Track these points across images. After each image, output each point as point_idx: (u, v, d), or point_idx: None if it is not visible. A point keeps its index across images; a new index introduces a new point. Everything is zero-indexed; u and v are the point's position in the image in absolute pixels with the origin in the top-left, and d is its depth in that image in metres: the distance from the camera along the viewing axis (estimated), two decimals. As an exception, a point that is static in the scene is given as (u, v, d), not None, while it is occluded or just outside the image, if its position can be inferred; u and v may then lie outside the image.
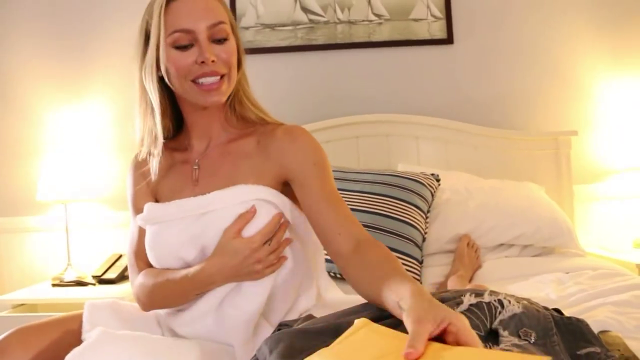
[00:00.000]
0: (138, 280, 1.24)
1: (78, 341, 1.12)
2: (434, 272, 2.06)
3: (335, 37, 2.68)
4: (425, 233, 2.10)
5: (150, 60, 1.16)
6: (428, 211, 2.17)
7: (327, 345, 0.91)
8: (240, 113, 1.28)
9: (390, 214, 2.06)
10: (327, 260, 1.45)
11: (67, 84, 2.70)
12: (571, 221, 2.51)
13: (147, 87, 1.19)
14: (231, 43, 1.18)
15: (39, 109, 2.70)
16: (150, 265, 1.25)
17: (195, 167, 1.26)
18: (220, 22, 1.16)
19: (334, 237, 1.13)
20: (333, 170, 2.37)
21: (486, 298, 0.96)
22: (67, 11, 2.71)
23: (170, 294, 1.18)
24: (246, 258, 1.11)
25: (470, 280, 1.99)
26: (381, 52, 2.69)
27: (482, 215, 2.17)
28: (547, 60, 2.69)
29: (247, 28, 2.68)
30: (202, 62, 1.13)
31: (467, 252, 2.07)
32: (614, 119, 2.68)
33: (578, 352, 0.93)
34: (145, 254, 1.25)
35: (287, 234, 1.19)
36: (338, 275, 1.89)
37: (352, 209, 2.03)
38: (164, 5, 1.14)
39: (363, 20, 2.67)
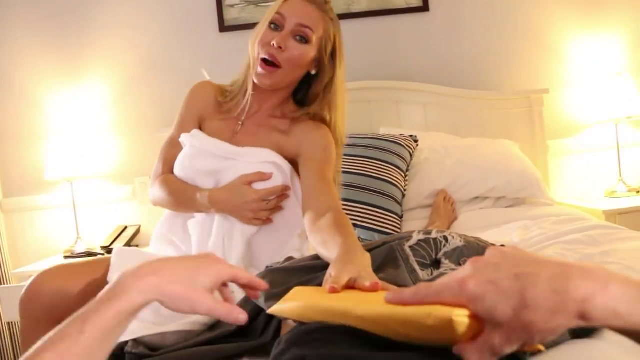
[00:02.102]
0: (157, 182, 1.55)
1: (105, 282, 1.33)
2: (413, 225, 2.23)
3: (316, 10, 2.81)
4: (405, 190, 2.27)
5: (257, 29, 1.48)
6: (407, 170, 2.33)
7: (303, 280, 1.08)
8: (312, 109, 1.54)
9: (372, 174, 2.23)
10: None
11: (65, 69, 2.85)
12: (546, 174, 2.69)
13: (250, 49, 1.49)
14: (308, 48, 1.45)
15: (40, 93, 2.84)
16: (172, 172, 1.56)
17: (240, 123, 1.55)
18: (308, 27, 1.44)
19: (309, 202, 1.35)
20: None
21: (433, 235, 1.14)
22: (61, -2, 2.84)
23: (178, 202, 1.50)
24: (245, 203, 1.39)
25: (447, 231, 2.16)
26: (361, 22, 2.82)
27: (458, 172, 2.34)
28: (518, 21, 2.82)
29: (232, 6, 2.81)
30: (272, 44, 1.41)
31: (443, 206, 2.24)
32: (583, 76, 2.82)
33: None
34: (171, 163, 1.55)
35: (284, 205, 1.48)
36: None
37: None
38: None
39: (342, -7, 2.80)
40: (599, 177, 2.81)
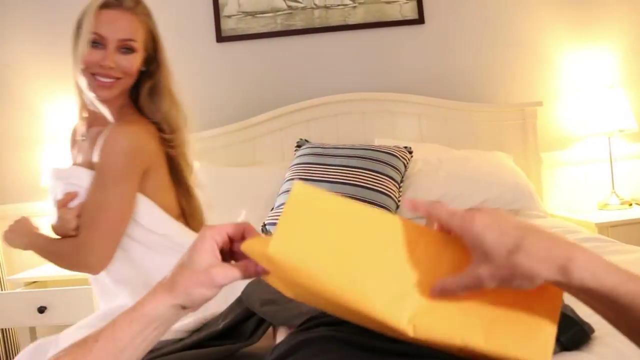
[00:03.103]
0: None
1: None
2: (407, 236, 2.24)
3: (312, 21, 2.84)
4: (399, 201, 2.29)
5: (78, 51, 1.40)
6: (401, 181, 2.35)
7: None
8: (149, 109, 1.49)
9: (366, 184, 2.25)
10: None
11: (63, 76, 2.85)
12: (539, 186, 2.71)
13: (74, 70, 1.43)
14: (136, 57, 1.43)
15: (38, 101, 2.86)
16: None
17: (83, 138, 1.54)
18: (130, 40, 1.41)
19: None
20: (313, 147, 2.57)
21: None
22: (61, 4, 2.85)
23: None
24: (68, 222, 1.41)
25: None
26: (356, 34, 2.85)
27: (452, 183, 2.36)
28: (512, 34, 2.86)
29: (229, 16, 2.83)
30: (102, 65, 1.38)
31: (437, 218, 2.25)
32: (576, 89, 2.85)
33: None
34: None
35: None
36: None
37: (332, 182, 2.24)
38: (96, 10, 1.39)
39: (338, 5, 2.83)
40: (591, 189, 2.84)
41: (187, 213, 1.54)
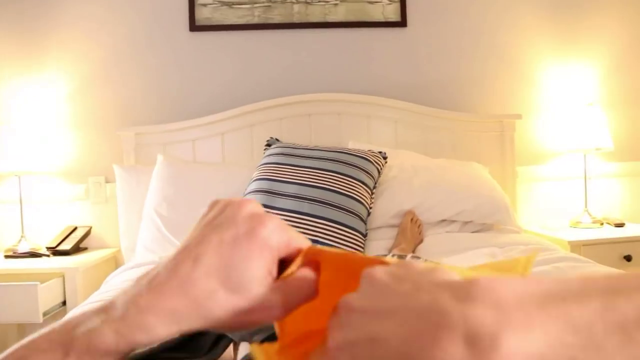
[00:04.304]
0: None
1: None
2: (378, 245, 2.15)
3: (291, 16, 2.73)
4: (371, 208, 2.19)
5: None
6: (374, 187, 2.26)
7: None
8: None
9: (337, 189, 2.14)
10: None
11: (22, 58, 2.69)
12: (514, 200, 2.65)
13: None
14: None
15: (-7, 80, 2.69)
16: None
17: None
18: None
19: None
20: (284, 146, 2.46)
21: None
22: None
23: None
24: None
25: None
26: (336, 32, 2.75)
27: (426, 192, 2.27)
28: (494, 45, 2.80)
29: (205, 5, 2.71)
30: None
31: (410, 227, 2.17)
32: (556, 104, 2.81)
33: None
34: None
35: None
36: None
37: (301, 184, 2.13)
38: None
39: (319, 1, 2.73)
40: (565, 206, 2.79)
41: None
